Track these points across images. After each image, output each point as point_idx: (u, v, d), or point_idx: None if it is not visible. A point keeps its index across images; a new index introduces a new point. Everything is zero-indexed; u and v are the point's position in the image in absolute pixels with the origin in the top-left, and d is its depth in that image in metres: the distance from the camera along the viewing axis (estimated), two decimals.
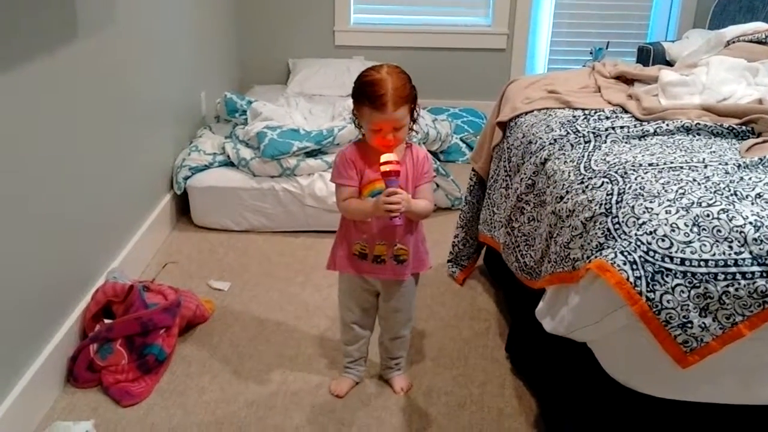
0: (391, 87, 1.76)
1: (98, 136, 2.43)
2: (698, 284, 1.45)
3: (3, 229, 1.84)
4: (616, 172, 1.79)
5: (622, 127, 2.14)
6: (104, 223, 2.51)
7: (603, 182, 1.77)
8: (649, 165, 1.81)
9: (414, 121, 1.87)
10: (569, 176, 1.91)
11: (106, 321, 2.25)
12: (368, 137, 1.85)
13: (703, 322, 1.46)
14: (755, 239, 1.46)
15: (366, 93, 1.79)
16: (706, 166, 1.79)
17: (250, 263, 2.96)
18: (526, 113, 2.44)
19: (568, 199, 1.84)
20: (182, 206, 3.33)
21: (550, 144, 2.13)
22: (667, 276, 1.46)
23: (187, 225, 3.28)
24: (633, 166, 1.81)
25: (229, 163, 3.27)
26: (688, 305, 1.46)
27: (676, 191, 1.63)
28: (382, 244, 1.94)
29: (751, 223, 1.48)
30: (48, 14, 2.05)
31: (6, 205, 1.85)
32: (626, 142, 2.04)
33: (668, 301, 1.46)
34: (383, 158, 1.78)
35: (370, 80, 1.79)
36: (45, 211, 2.06)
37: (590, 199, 1.74)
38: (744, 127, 2.09)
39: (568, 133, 2.14)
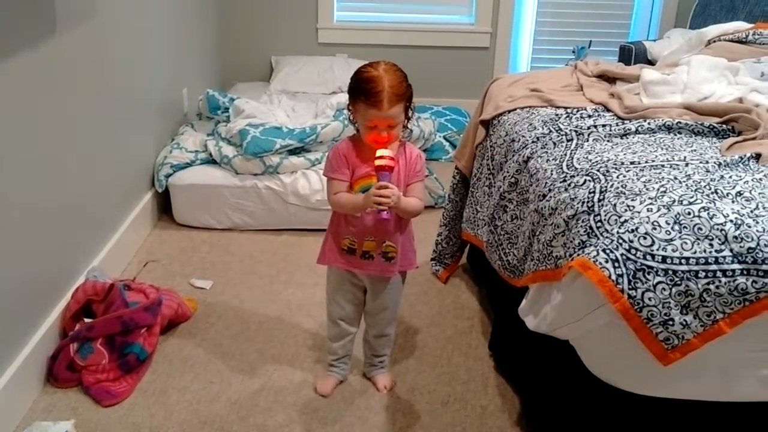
0: (388, 85, 1.77)
1: (78, 132, 2.40)
2: (679, 282, 1.46)
3: None
4: (598, 171, 1.79)
5: (604, 126, 2.15)
6: (84, 221, 2.48)
7: (585, 180, 1.77)
8: (631, 163, 1.82)
9: (408, 119, 1.88)
10: (552, 174, 1.91)
11: (87, 320, 2.23)
12: (363, 134, 1.85)
13: (684, 320, 1.47)
14: (735, 237, 1.47)
15: (363, 90, 1.79)
16: (687, 165, 1.80)
17: (232, 261, 2.95)
18: (509, 111, 2.45)
19: (550, 197, 1.85)
20: (164, 204, 3.30)
21: (533, 142, 2.14)
22: (648, 274, 1.47)
23: (169, 223, 3.26)
24: (615, 164, 1.82)
25: (211, 161, 3.25)
26: (670, 303, 1.47)
27: (658, 189, 1.63)
28: (372, 240, 1.94)
29: (731, 221, 1.50)
30: (26, 8, 2.02)
31: None
32: (608, 141, 2.05)
33: (650, 299, 1.47)
34: (378, 153, 1.78)
35: (368, 77, 1.79)
36: (23, 208, 2.04)
37: (573, 197, 1.74)
38: (724, 126, 2.11)
39: (550, 131, 2.15)
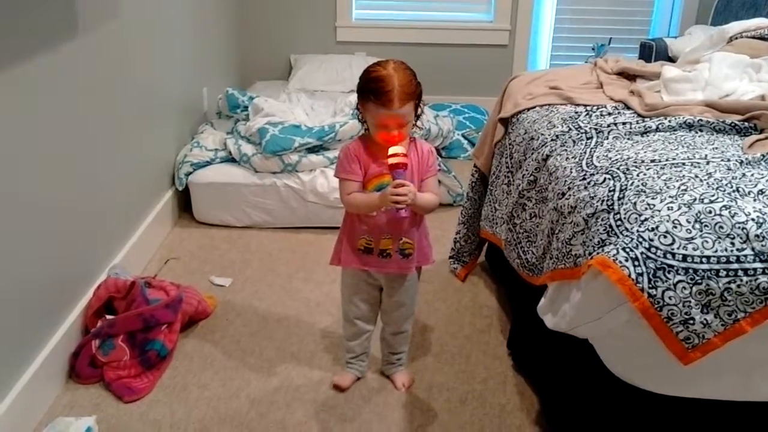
0: (398, 83, 1.76)
1: (99, 132, 2.43)
2: (700, 281, 1.45)
3: (4, 226, 1.84)
4: (618, 169, 1.78)
5: (624, 123, 2.14)
6: (106, 220, 2.51)
7: (605, 178, 1.76)
8: (651, 161, 1.80)
9: (418, 117, 1.88)
10: (571, 172, 1.90)
11: (108, 317, 2.25)
12: (373, 132, 1.85)
13: (705, 319, 1.46)
14: (757, 236, 1.46)
15: (372, 89, 1.78)
16: (708, 163, 1.78)
17: (251, 259, 2.97)
18: (528, 109, 2.44)
19: (570, 195, 1.84)
20: (184, 202, 3.33)
21: (552, 140, 2.13)
22: (669, 272, 1.46)
23: (189, 221, 3.29)
24: (635, 162, 1.81)
25: (230, 159, 3.27)
26: (690, 302, 1.46)
27: (678, 187, 1.62)
28: (388, 238, 1.94)
29: (753, 219, 1.48)
30: (49, 10, 2.04)
31: (7, 202, 1.85)
32: (628, 139, 2.04)
33: (670, 298, 1.46)
34: (391, 151, 1.78)
35: (377, 76, 1.79)
36: (46, 207, 2.06)
37: (592, 195, 1.74)
38: (746, 124, 2.09)
39: (570, 129, 2.14)
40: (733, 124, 2.08)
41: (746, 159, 1.80)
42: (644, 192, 1.64)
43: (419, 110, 1.87)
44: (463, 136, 4.19)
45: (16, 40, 1.87)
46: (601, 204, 1.68)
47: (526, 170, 2.20)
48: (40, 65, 2.00)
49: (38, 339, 2.05)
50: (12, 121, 1.86)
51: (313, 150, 3.21)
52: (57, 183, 2.12)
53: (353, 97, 3.57)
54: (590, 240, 1.67)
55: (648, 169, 1.75)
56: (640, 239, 1.51)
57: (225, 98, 3.56)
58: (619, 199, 1.66)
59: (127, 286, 2.32)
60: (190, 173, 3.21)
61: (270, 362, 2.29)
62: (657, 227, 1.51)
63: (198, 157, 3.24)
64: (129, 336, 2.20)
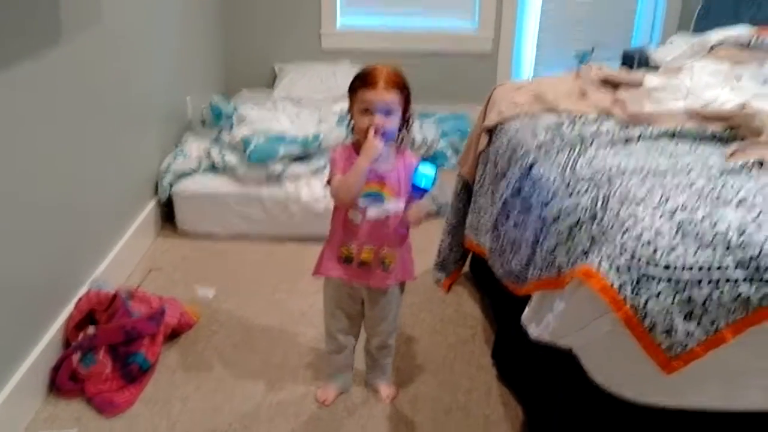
0: (386, 71, 1.81)
1: (81, 140, 2.41)
2: (683, 290, 1.45)
3: None
4: (601, 177, 1.78)
5: (607, 132, 2.14)
6: (87, 230, 2.49)
7: (588, 187, 1.76)
8: (634, 170, 1.81)
9: (407, 122, 1.88)
10: (555, 181, 1.90)
11: (90, 329, 2.22)
12: (358, 125, 1.84)
13: (687, 328, 1.46)
14: (739, 245, 1.46)
15: (360, 76, 1.83)
16: (690, 172, 1.79)
17: (235, 270, 2.94)
18: (512, 118, 2.44)
19: (553, 204, 1.84)
20: (167, 212, 3.30)
21: (536, 149, 2.13)
22: (651, 281, 1.46)
23: (172, 231, 3.26)
24: (618, 171, 1.81)
25: (214, 169, 3.25)
26: (673, 311, 1.46)
27: (661, 196, 1.63)
28: (370, 248, 1.93)
29: (734, 228, 1.49)
30: (31, 16, 2.02)
31: None
32: (611, 147, 2.04)
33: (653, 307, 1.46)
34: (420, 168, 1.82)
35: (367, 68, 1.84)
36: (26, 217, 2.04)
37: (576, 204, 1.74)
38: (727, 132, 2.10)
39: (553, 138, 2.14)
40: (714, 133, 2.09)
41: (728, 168, 1.81)
42: (627, 201, 1.64)
43: (408, 114, 1.88)
44: (447, 144, 4.19)
45: None
46: (585, 213, 1.68)
47: (510, 179, 2.20)
48: (20, 72, 1.97)
49: (18, 352, 2.02)
50: None
51: (297, 159, 3.20)
52: (36, 193, 2.10)
53: (338, 106, 3.58)
54: (574, 249, 1.67)
55: (631, 178, 1.75)
56: (623, 248, 1.51)
57: (209, 107, 3.54)
58: (602, 207, 1.66)
59: (109, 298, 2.29)
60: (174, 183, 3.19)
61: (254, 374, 2.27)
62: (640, 236, 1.51)
63: (181, 166, 3.21)
64: (110, 349, 2.18)
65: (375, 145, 1.78)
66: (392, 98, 1.80)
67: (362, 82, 1.81)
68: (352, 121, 1.89)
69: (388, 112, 1.80)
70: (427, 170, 1.81)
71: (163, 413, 2.09)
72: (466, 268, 2.88)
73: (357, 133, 1.86)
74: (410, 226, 1.93)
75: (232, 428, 2.04)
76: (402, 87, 1.83)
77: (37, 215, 2.11)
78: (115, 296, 2.29)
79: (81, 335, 2.22)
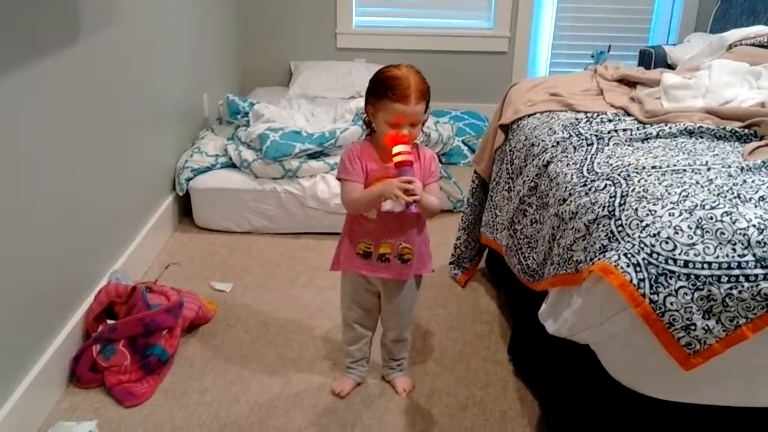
0: (414, 81, 1.80)
1: (100, 138, 2.43)
2: (702, 286, 1.45)
3: (6, 231, 1.84)
4: (619, 175, 1.79)
5: (624, 130, 2.14)
6: (107, 225, 2.51)
7: (606, 185, 1.77)
8: (652, 168, 1.81)
9: (423, 122, 1.89)
10: (572, 179, 1.91)
11: (109, 322, 2.25)
12: (382, 132, 1.85)
13: (707, 325, 1.46)
14: (758, 242, 1.46)
15: (389, 86, 1.81)
16: (709, 169, 1.79)
17: (252, 265, 2.97)
18: (529, 116, 2.45)
19: (570, 201, 1.84)
20: (184, 208, 3.33)
21: (553, 146, 2.14)
22: (670, 278, 1.47)
23: (189, 226, 3.29)
24: (636, 168, 1.81)
25: (231, 165, 3.28)
26: (692, 307, 1.46)
27: (680, 194, 1.63)
28: (387, 242, 1.95)
29: (754, 225, 1.49)
30: (50, 15, 2.05)
31: (8, 207, 1.85)
32: (629, 145, 2.05)
33: (672, 304, 1.46)
34: (396, 149, 1.79)
35: (393, 75, 1.82)
36: (47, 212, 2.07)
37: (593, 201, 1.74)
38: (747, 131, 2.10)
39: (570, 135, 2.15)
40: (733, 131, 2.09)
41: (747, 166, 1.81)
42: (645, 198, 1.65)
43: (426, 115, 1.89)
44: (463, 142, 4.20)
45: (17, 46, 1.88)
46: (603, 210, 1.69)
47: (527, 176, 2.21)
48: (40, 71, 2.00)
49: (39, 343, 2.05)
50: (12, 127, 1.86)
51: (313, 156, 3.21)
52: (57, 189, 2.13)
53: (353, 104, 3.59)
54: (591, 246, 1.67)
55: (649, 176, 1.76)
56: (642, 245, 1.52)
57: (225, 104, 3.57)
58: (620, 205, 1.66)
59: (128, 291, 2.32)
60: (191, 179, 3.22)
61: (270, 367, 2.29)
62: (658, 233, 1.52)
63: (198, 162, 3.24)
64: (130, 341, 2.20)
65: (396, 193, 1.79)
66: (420, 110, 1.83)
67: (392, 93, 1.80)
68: (368, 118, 1.90)
69: (414, 124, 1.83)
70: (399, 148, 1.80)
71: (180, 404, 2.11)
72: (482, 263, 2.88)
73: (379, 136, 1.88)
74: (422, 214, 1.93)
75: (249, 420, 2.05)
76: (427, 94, 1.85)
77: (58, 211, 2.13)
78: (134, 289, 2.32)
79: (100, 327, 2.25)
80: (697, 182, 1.69)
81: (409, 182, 1.78)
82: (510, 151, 2.45)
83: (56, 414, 2.05)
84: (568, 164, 2.00)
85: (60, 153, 2.13)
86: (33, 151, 1.97)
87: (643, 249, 1.51)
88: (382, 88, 1.82)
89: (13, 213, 1.87)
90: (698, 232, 1.50)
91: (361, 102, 3.38)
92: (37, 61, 1.97)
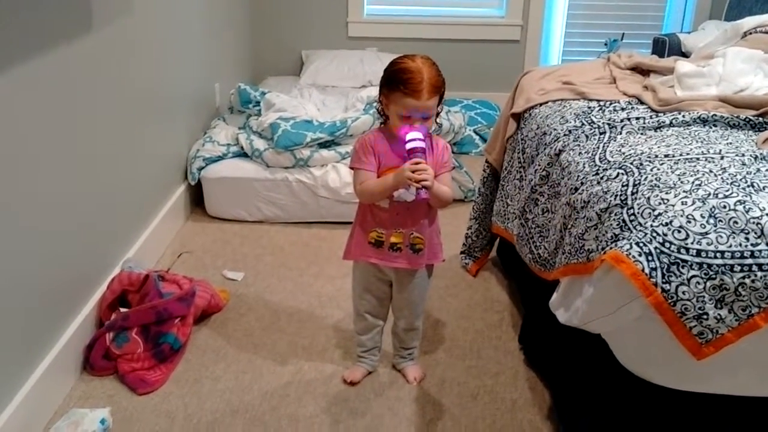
0: (427, 76, 1.79)
1: (112, 127, 2.44)
2: (714, 276, 1.45)
3: (21, 221, 1.86)
4: (631, 164, 1.78)
5: (637, 119, 2.13)
6: (119, 214, 2.53)
7: (618, 173, 1.76)
8: (665, 156, 1.80)
9: (437, 114, 1.88)
10: (584, 167, 1.90)
11: (122, 310, 2.27)
12: (395, 124, 1.85)
13: (719, 314, 1.46)
14: None
15: (402, 79, 1.80)
16: (722, 158, 1.77)
17: (263, 254, 2.98)
18: (541, 104, 2.44)
19: (582, 190, 1.84)
20: (196, 197, 3.35)
21: (565, 135, 2.13)
22: (682, 267, 1.46)
23: (201, 215, 3.30)
24: (649, 157, 1.80)
25: (242, 154, 3.29)
26: (704, 297, 1.45)
27: (692, 182, 1.62)
28: (399, 232, 1.95)
29: (767, 214, 1.48)
30: (63, 5, 2.06)
31: (22, 197, 1.87)
32: (642, 134, 2.03)
33: (684, 293, 1.45)
34: (408, 136, 1.79)
35: (407, 68, 1.81)
36: (61, 201, 2.08)
37: (605, 190, 1.73)
38: (761, 119, 2.08)
39: (583, 124, 2.14)
40: (747, 120, 2.07)
41: (761, 154, 1.79)
42: (658, 187, 1.64)
43: (440, 107, 1.88)
44: (474, 131, 4.19)
45: (31, 37, 1.89)
46: (615, 199, 1.68)
47: (539, 165, 2.20)
48: (53, 62, 2.01)
49: (53, 331, 2.06)
50: (27, 118, 1.88)
51: (324, 145, 3.21)
52: (70, 178, 2.14)
53: (365, 93, 3.59)
54: (603, 235, 1.66)
55: (662, 164, 1.75)
56: (654, 234, 1.51)
57: (237, 93, 3.57)
58: (632, 193, 1.65)
59: (140, 279, 2.33)
60: (203, 168, 3.23)
61: (282, 356, 2.30)
62: (671, 222, 1.51)
63: (210, 151, 3.25)
64: (143, 329, 2.22)
65: (406, 175, 1.78)
66: (432, 103, 1.82)
67: (404, 86, 1.79)
68: (382, 107, 1.90)
69: (426, 117, 1.82)
70: (413, 135, 1.80)
71: (193, 392, 2.13)
72: (493, 253, 2.88)
73: (391, 127, 1.88)
74: (432, 203, 1.93)
75: (261, 407, 2.07)
76: (440, 88, 1.84)
77: (70, 200, 2.15)
78: (146, 277, 2.33)
79: (114, 315, 2.26)
80: (711, 171, 1.68)
81: (418, 163, 1.78)
82: (522, 140, 2.44)
83: (70, 401, 2.07)
84: (580, 153, 1.99)
85: (71, 143, 2.14)
86: (45, 140, 1.98)
87: (655, 238, 1.50)
88: (395, 81, 1.81)
89: (25, 202, 1.88)
90: (711, 221, 1.49)
91: (372, 91, 3.39)
92: (49, 52, 1.98)
